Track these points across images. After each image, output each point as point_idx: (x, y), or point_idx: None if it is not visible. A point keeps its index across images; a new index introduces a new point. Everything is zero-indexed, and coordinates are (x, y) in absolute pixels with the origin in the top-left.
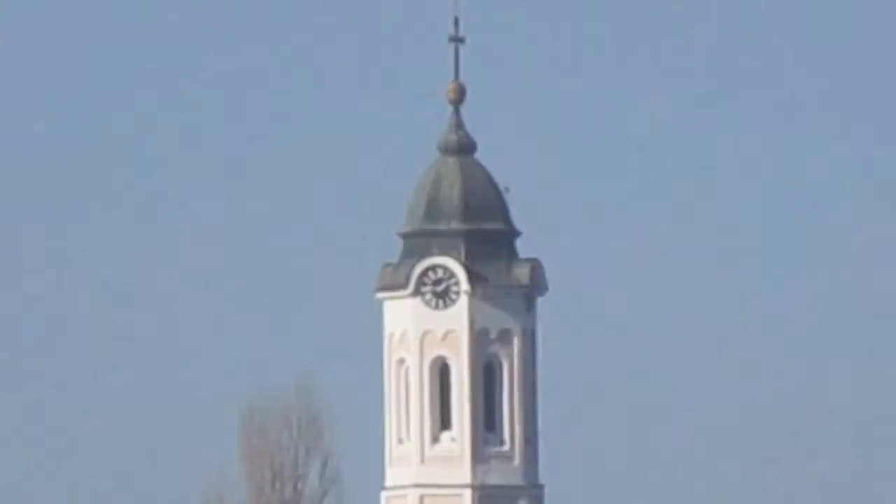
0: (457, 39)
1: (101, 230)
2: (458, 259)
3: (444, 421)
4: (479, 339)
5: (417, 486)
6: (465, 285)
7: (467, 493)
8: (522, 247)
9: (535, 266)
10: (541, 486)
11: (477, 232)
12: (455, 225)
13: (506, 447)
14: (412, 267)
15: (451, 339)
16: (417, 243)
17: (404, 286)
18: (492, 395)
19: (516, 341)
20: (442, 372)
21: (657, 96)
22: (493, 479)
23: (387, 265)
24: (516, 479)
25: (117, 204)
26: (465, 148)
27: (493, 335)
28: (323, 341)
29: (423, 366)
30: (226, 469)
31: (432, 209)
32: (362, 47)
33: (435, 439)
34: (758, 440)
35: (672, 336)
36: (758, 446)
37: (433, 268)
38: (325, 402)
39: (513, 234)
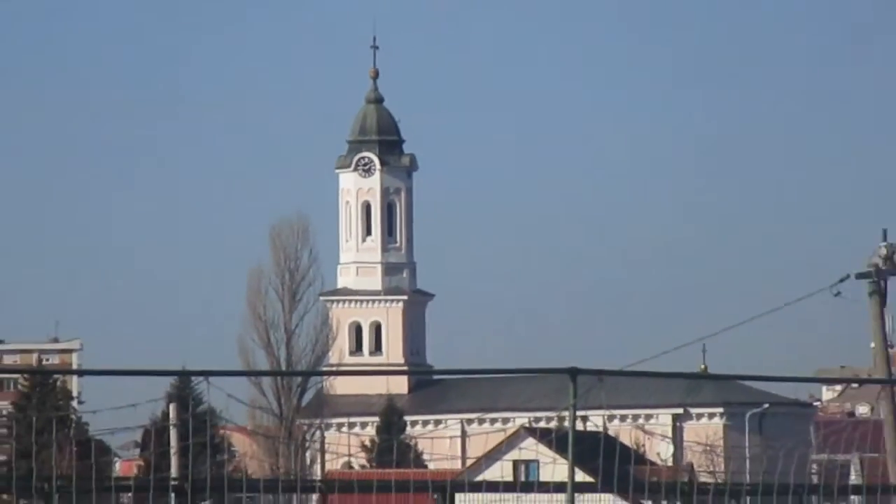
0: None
1: None
2: (374, 153)
3: (368, 231)
4: (384, 193)
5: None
6: (377, 165)
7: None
8: (408, 148)
9: (412, 157)
10: (414, 263)
11: (384, 142)
12: (373, 136)
13: (402, 252)
14: (353, 157)
15: (372, 192)
16: (356, 145)
17: (349, 167)
18: (393, 222)
19: (403, 193)
20: (367, 209)
21: None
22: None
23: (340, 156)
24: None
25: None
26: (379, 99)
27: (392, 190)
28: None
29: (358, 205)
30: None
31: (363, 128)
32: None
33: (363, 240)
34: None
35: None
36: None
37: (362, 158)
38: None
39: (401, 141)
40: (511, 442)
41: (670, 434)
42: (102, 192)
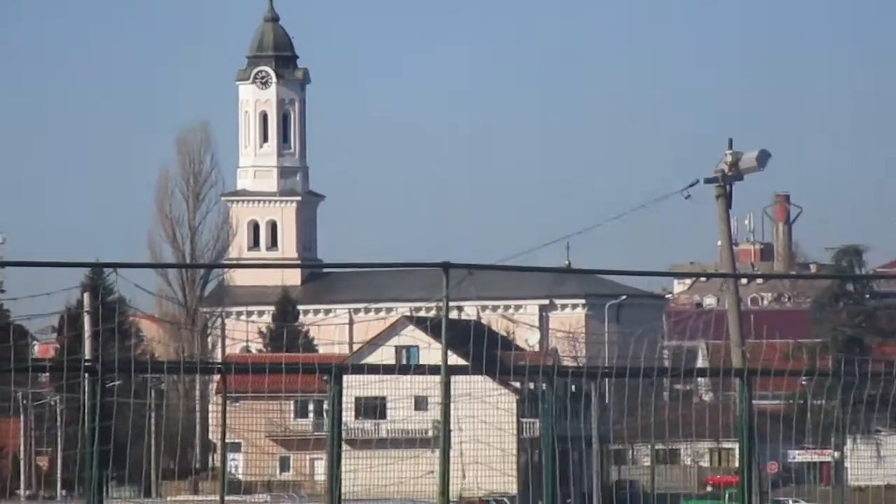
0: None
1: None
2: (271, 67)
3: (265, 138)
4: (279, 103)
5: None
6: (273, 78)
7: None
8: (302, 63)
9: (305, 70)
10: (307, 168)
11: (280, 58)
12: (269, 53)
13: (295, 157)
14: (251, 71)
15: (268, 103)
16: (254, 60)
17: (248, 80)
18: (287, 130)
19: (297, 104)
20: (264, 118)
21: None
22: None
23: (240, 70)
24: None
25: None
26: (275, 18)
27: (287, 101)
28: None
29: (256, 115)
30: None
31: (261, 45)
32: None
33: (260, 146)
34: None
35: None
36: None
37: (259, 72)
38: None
39: (295, 57)
40: (393, 329)
41: (537, 323)
42: (28, 90)
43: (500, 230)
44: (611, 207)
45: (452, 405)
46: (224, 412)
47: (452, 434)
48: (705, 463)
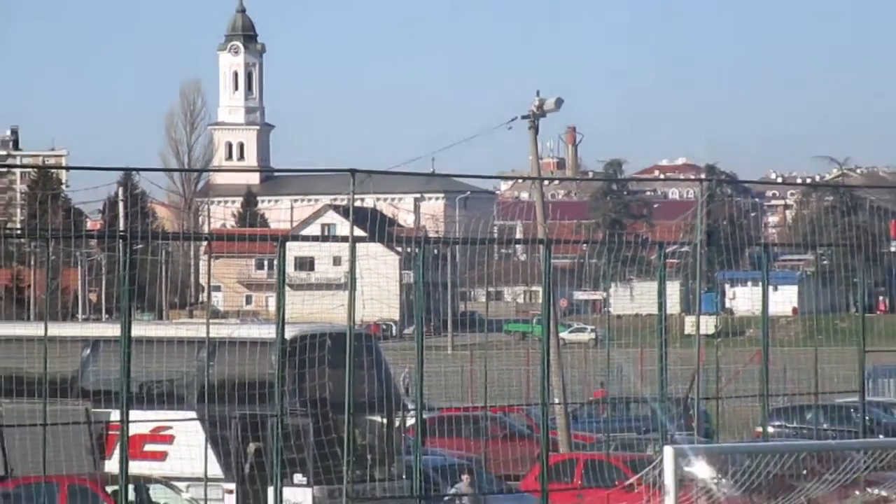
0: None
1: None
2: (240, 42)
3: (236, 88)
4: (245, 66)
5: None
6: (242, 49)
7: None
8: (261, 39)
9: (263, 45)
10: (264, 107)
11: (246, 35)
12: (239, 33)
13: (256, 100)
14: (227, 44)
15: (238, 65)
16: (229, 37)
17: (225, 50)
18: (251, 83)
19: (257, 66)
20: (236, 76)
21: None
22: None
23: (220, 44)
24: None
25: None
26: (242, 10)
27: (250, 64)
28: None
29: (230, 73)
30: None
31: (233, 27)
32: None
33: (233, 93)
34: None
35: None
36: None
37: (232, 45)
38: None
39: (256, 35)
40: (319, 213)
41: (412, 209)
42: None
43: (393, 143)
44: (465, 130)
45: (357, 262)
46: (210, 265)
47: (357, 281)
48: (521, 300)
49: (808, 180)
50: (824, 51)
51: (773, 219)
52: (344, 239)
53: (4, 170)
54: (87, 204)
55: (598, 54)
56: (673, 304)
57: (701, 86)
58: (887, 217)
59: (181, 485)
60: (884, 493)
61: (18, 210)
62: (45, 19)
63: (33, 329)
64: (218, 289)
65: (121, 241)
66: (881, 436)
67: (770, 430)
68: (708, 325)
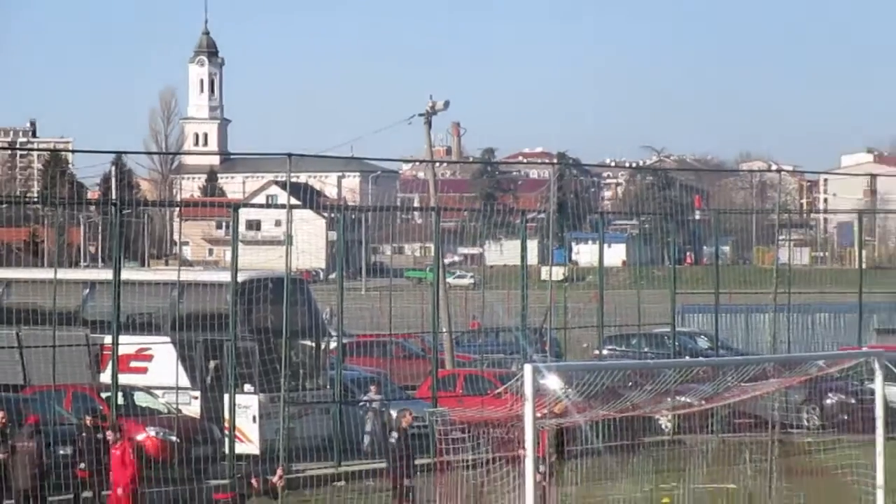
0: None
1: None
2: (205, 57)
3: (202, 91)
4: (209, 74)
5: None
6: (206, 62)
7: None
8: (221, 54)
9: (223, 58)
10: (223, 106)
11: (210, 52)
12: (204, 50)
13: (216, 101)
14: (195, 58)
15: (204, 74)
16: (197, 53)
17: (194, 63)
18: (213, 88)
19: (218, 75)
20: (201, 82)
21: None
22: None
23: (189, 58)
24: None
25: None
26: (207, 32)
27: (213, 73)
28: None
29: (198, 80)
30: None
31: (200, 46)
32: None
33: (199, 95)
34: None
35: None
36: None
37: (199, 59)
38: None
39: (218, 52)
40: (265, 187)
41: (336, 184)
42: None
43: (322, 133)
44: (381, 123)
45: (293, 224)
46: (180, 226)
47: (292, 238)
48: (417, 253)
49: (635, 164)
50: (652, 52)
51: (607, 193)
52: (283, 206)
53: (25, 152)
54: (87, 178)
55: (480, 61)
56: (532, 257)
57: (557, 86)
58: (692, 193)
59: (158, 392)
60: (688, 400)
61: (35, 183)
62: (58, 34)
63: (46, 273)
64: (187, 244)
65: (113, 207)
66: (687, 356)
67: (604, 352)
68: (558, 273)
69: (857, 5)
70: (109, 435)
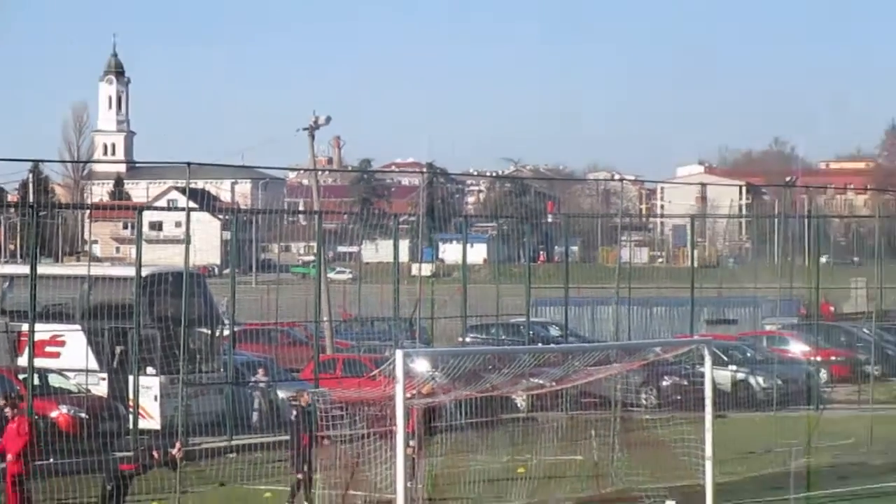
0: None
1: None
2: (113, 76)
3: (110, 106)
4: (117, 92)
5: None
6: (115, 81)
7: None
8: (128, 74)
9: (129, 78)
10: (129, 120)
11: (118, 72)
12: (112, 71)
13: (124, 115)
14: (105, 77)
15: (112, 91)
16: (106, 73)
17: (104, 81)
18: (121, 103)
19: (125, 93)
20: (110, 98)
21: None
22: None
23: (100, 77)
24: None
25: None
26: (116, 54)
27: (119, 91)
28: (86, 94)
29: (107, 97)
30: None
31: (109, 66)
32: None
33: (108, 109)
34: None
35: None
36: None
37: (108, 78)
38: None
39: (125, 72)
40: (166, 192)
41: (229, 189)
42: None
43: (217, 144)
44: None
45: (191, 224)
46: (90, 226)
47: (191, 237)
48: (302, 251)
49: (495, 173)
50: (509, 72)
51: (470, 199)
52: (182, 209)
53: None
54: (7, 184)
55: (360, 79)
56: (403, 255)
57: (427, 103)
58: (545, 199)
59: (70, 374)
60: (540, 381)
61: None
62: None
63: None
64: (96, 242)
65: (30, 209)
66: (540, 343)
67: (467, 339)
68: (426, 269)
69: (695, 30)
70: (8, 411)
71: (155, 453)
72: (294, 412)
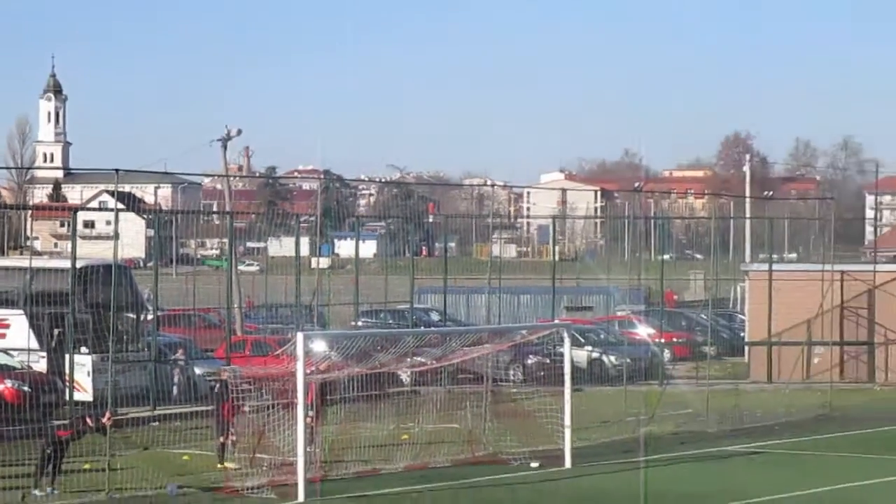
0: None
1: None
2: (52, 94)
3: (49, 121)
4: (55, 108)
5: None
6: (53, 98)
7: None
8: (65, 91)
9: (66, 95)
10: (66, 132)
11: (56, 91)
12: (51, 89)
13: (61, 129)
14: (45, 95)
15: (52, 107)
16: (47, 91)
17: (44, 98)
18: (59, 118)
19: (63, 108)
20: (49, 113)
21: None
22: None
23: (40, 94)
24: None
25: None
26: (54, 75)
27: (58, 107)
28: (29, 109)
29: (47, 112)
30: None
31: (48, 87)
32: None
33: (48, 122)
34: None
35: None
36: None
37: (48, 95)
38: None
39: (62, 90)
40: (100, 195)
41: (153, 193)
42: None
43: (143, 152)
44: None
45: (119, 223)
46: (32, 224)
47: (119, 234)
48: (216, 247)
49: (383, 179)
50: (393, 84)
51: (362, 201)
52: (112, 210)
53: None
54: None
55: (270, 93)
56: (304, 250)
57: (322, 113)
58: (427, 201)
59: (14, 353)
60: (422, 359)
61: None
62: None
63: None
64: (37, 238)
65: None
66: (422, 327)
67: (359, 323)
68: (324, 262)
69: (552, 53)
70: None
71: (88, 420)
72: (217, 385)
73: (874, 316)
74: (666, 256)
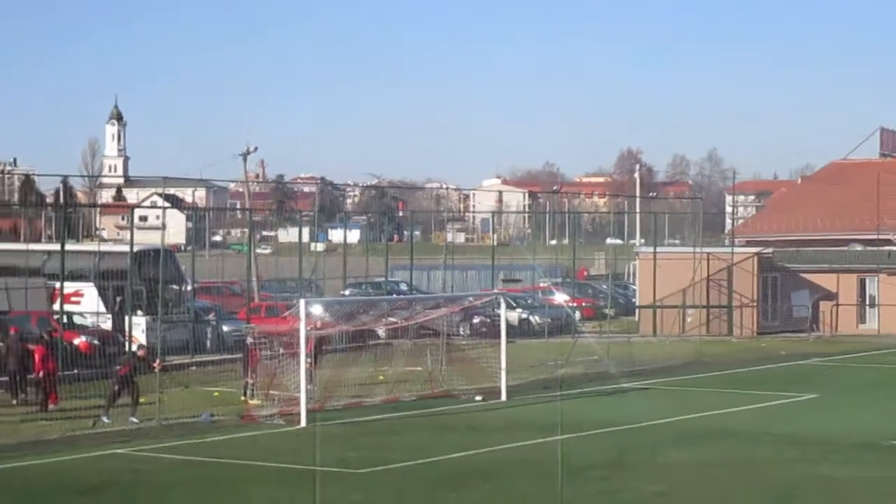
0: None
1: None
2: (115, 119)
3: (114, 140)
4: (117, 131)
5: None
6: (116, 123)
7: None
8: (126, 118)
9: (127, 120)
10: (126, 147)
11: (118, 116)
12: (115, 117)
13: (123, 144)
14: (110, 121)
15: (115, 130)
16: (111, 118)
17: (108, 123)
18: (120, 139)
19: (123, 131)
20: (112, 134)
21: None
22: None
23: (106, 121)
24: None
25: None
26: (116, 103)
27: (120, 130)
28: (96, 131)
29: (111, 134)
30: None
31: (111, 115)
32: None
33: (112, 141)
34: None
35: None
36: None
37: (112, 121)
38: None
39: (123, 117)
40: (150, 196)
41: (191, 196)
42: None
43: (183, 162)
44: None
45: (166, 217)
46: (100, 219)
47: (166, 225)
48: (240, 234)
49: (364, 183)
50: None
51: (349, 201)
52: (161, 207)
53: (7, 175)
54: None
55: (284, 117)
56: (305, 237)
57: (323, 129)
58: (398, 200)
59: (87, 315)
60: (394, 319)
61: (15, 195)
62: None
63: (21, 246)
64: (104, 229)
65: (61, 207)
66: (394, 294)
67: (346, 292)
68: (320, 247)
69: (492, 66)
70: (31, 345)
71: (141, 352)
72: (250, 339)
73: (732, 286)
74: (577, 241)
